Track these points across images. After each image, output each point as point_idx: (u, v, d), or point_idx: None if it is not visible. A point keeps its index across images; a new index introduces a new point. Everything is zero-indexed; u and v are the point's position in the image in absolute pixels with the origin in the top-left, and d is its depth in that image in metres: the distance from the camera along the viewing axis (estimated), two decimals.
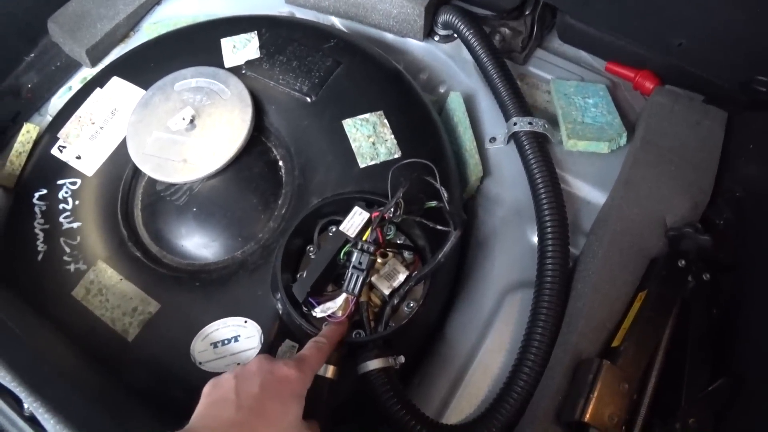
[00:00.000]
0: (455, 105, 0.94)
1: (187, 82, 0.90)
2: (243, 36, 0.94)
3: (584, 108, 0.92)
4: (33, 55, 1.10)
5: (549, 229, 0.78)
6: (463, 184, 0.88)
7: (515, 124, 0.87)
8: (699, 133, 0.86)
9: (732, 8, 0.80)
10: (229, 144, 0.84)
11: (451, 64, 1.03)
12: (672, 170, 0.82)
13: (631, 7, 0.89)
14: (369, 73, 0.89)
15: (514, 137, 0.88)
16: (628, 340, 0.68)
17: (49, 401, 0.60)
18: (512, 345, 0.76)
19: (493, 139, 0.93)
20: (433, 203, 0.73)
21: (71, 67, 1.11)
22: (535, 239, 0.82)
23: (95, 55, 1.08)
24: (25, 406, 0.61)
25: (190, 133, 0.85)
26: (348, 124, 0.83)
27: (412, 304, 0.72)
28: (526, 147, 0.85)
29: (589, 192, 0.87)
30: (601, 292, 0.72)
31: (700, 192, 0.81)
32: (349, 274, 0.68)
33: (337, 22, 1.11)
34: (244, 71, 0.91)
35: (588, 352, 0.69)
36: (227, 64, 0.92)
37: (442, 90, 1.04)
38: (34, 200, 0.88)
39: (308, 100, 0.86)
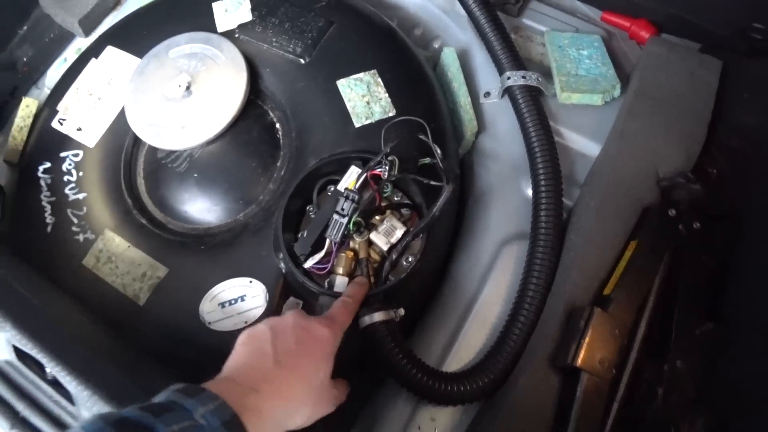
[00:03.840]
0: (449, 60, 0.94)
1: (181, 49, 0.90)
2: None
3: (578, 60, 0.92)
4: (26, 27, 1.11)
5: (542, 182, 0.79)
6: (458, 139, 0.89)
7: (509, 78, 0.87)
8: (693, 83, 0.86)
9: None
10: (226, 109, 0.85)
11: (444, 18, 1.03)
12: (665, 121, 0.82)
13: None
14: (361, 32, 0.89)
15: (507, 92, 0.88)
16: (619, 288, 0.71)
17: (70, 365, 0.63)
18: (509, 295, 0.78)
19: (487, 94, 0.93)
20: (427, 160, 0.75)
21: (65, 37, 1.11)
22: (528, 192, 0.84)
23: (88, 24, 1.08)
24: (48, 370, 0.64)
25: (187, 99, 0.87)
26: (342, 84, 0.84)
27: (410, 259, 0.74)
28: (520, 101, 0.85)
29: (584, 144, 0.88)
30: (594, 242, 0.74)
31: (693, 142, 0.82)
32: (332, 220, 0.71)
33: None
34: (237, 35, 0.91)
35: (581, 300, 0.71)
36: (220, 28, 0.92)
37: (436, 45, 1.04)
38: (39, 174, 0.90)
39: (302, 61, 0.87)
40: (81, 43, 1.10)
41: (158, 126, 0.86)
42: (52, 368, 0.63)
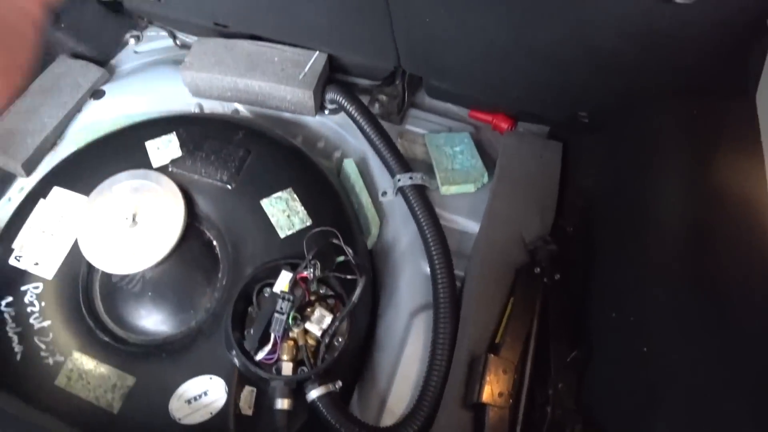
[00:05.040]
0: (350, 170, 1.15)
1: (123, 185, 1.05)
2: (164, 137, 1.11)
3: (453, 156, 1.16)
4: None
5: (436, 261, 1.00)
6: (365, 233, 1.09)
7: (399, 180, 1.09)
8: (541, 164, 1.11)
9: (542, 68, 1.04)
10: (169, 233, 1.00)
11: (341, 132, 1.24)
12: (524, 197, 1.06)
13: (476, 72, 1.14)
14: (275, 157, 1.09)
15: (400, 191, 1.10)
16: (505, 335, 0.91)
17: None
18: (424, 354, 0.97)
19: (384, 193, 1.15)
20: (341, 258, 0.94)
21: (7, 179, 1.23)
22: (427, 269, 1.04)
23: (29, 166, 1.21)
24: None
25: (134, 228, 1.01)
26: (265, 203, 1.03)
27: (340, 339, 0.92)
28: (410, 198, 1.07)
29: (465, 224, 1.11)
30: (482, 303, 0.95)
31: (547, 210, 1.06)
32: (274, 318, 0.88)
33: (240, 107, 1.30)
34: (170, 169, 1.08)
35: (479, 349, 0.91)
36: (155, 164, 1.09)
37: (337, 155, 1.25)
38: (2, 308, 1.01)
39: (229, 187, 1.05)
40: (23, 182, 1.22)
41: (111, 254, 1.00)
42: None
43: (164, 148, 1.10)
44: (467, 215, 1.10)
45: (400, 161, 1.12)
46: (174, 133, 1.11)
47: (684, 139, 0.87)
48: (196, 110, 1.29)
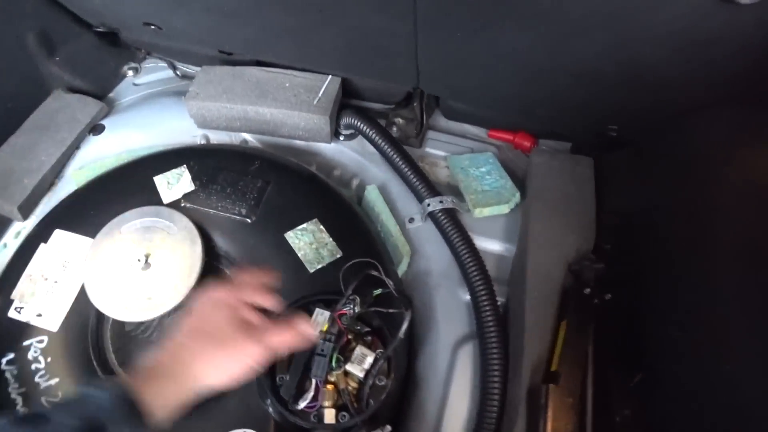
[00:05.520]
0: (373, 197, 1.08)
1: (132, 224, 0.98)
2: (174, 171, 1.03)
3: (480, 177, 1.10)
4: None
5: (477, 287, 0.93)
6: (397, 263, 1.02)
7: (429, 205, 1.03)
8: (575, 180, 1.05)
9: (573, 86, 1.00)
10: (187, 275, 0.92)
11: (359, 159, 1.18)
12: (562, 216, 1.00)
13: (498, 92, 1.09)
14: (296, 187, 1.02)
15: (430, 216, 1.03)
16: (562, 363, 0.84)
17: None
18: (473, 389, 0.90)
19: (411, 220, 1.08)
20: (379, 290, 0.86)
21: (1, 223, 1.14)
22: (466, 297, 0.97)
23: (26, 209, 1.13)
24: None
25: (147, 271, 0.93)
26: (290, 236, 0.95)
27: (383, 380, 0.83)
28: (443, 222, 1.00)
29: (500, 247, 1.04)
30: (533, 329, 0.88)
31: (587, 228, 1.00)
32: (315, 361, 0.79)
33: (248, 137, 1.23)
34: (183, 204, 1.00)
35: (535, 380, 0.84)
36: (165, 199, 1.01)
37: (355, 183, 1.18)
38: (3, 366, 0.91)
39: (248, 221, 0.97)
40: (18, 227, 1.14)
41: (122, 300, 0.91)
42: None
43: (175, 183, 1.03)
44: (501, 238, 1.04)
45: (428, 185, 1.05)
46: (184, 166, 1.04)
47: (742, 150, 0.82)
48: (203, 142, 1.22)
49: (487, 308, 0.91)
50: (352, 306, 0.82)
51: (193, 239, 0.95)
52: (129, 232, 0.97)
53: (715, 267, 0.80)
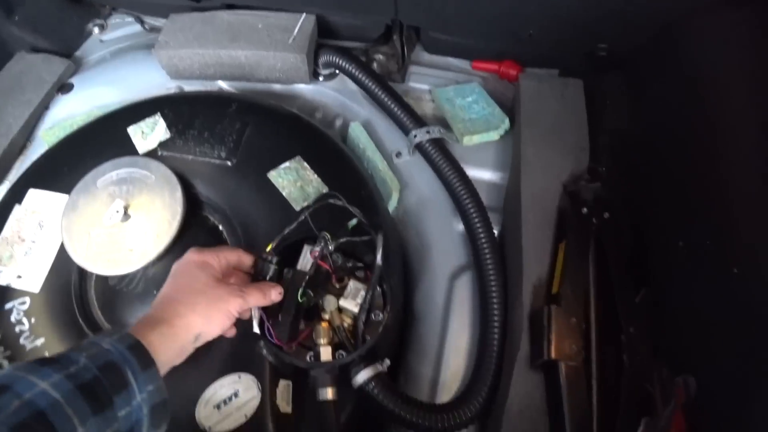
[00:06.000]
0: (357, 133, 1.04)
1: (108, 177, 0.93)
2: (148, 120, 0.99)
3: (467, 107, 1.06)
4: None
5: (473, 216, 0.90)
6: (385, 199, 0.98)
7: (415, 136, 0.99)
8: (565, 103, 1.02)
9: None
10: (168, 223, 0.88)
11: (340, 98, 1.13)
12: (554, 139, 0.96)
13: (483, 15, 1.04)
14: (276, 126, 0.97)
15: (418, 147, 0.99)
16: (564, 284, 0.82)
17: None
18: (473, 319, 0.87)
19: (398, 154, 1.04)
20: (353, 221, 0.83)
21: None
22: (460, 227, 0.94)
23: None
24: None
25: (127, 223, 0.89)
26: (273, 176, 0.91)
27: (379, 314, 0.80)
28: (432, 153, 0.96)
29: (492, 175, 1.01)
30: (531, 253, 0.85)
31: (580, 150, 0.96)
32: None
33: (224, 85, 1.18)
34: (160, 153, 0.96)
35: (536, 304, 0.81)
36: (141, 149, 0.97)
37: (338, 123, 1.14)
38: None
39: (229, 164, 0.93)
40: None
41: (104, 255, 0.87)
42: None
43: (149, 132, 0.98)
44: (492, 167, 1.01)
45: (414, 117, 1.01)
46: (158, 114, 0.99)
47: (747, 52, 0.78)
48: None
49: (483, 234, 0.88)
50: (324, 243, 0.79)
51: (173, 187, 0.91)
52: (105, 185, 0.93)
53: (721, 175, 0.76)
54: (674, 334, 0.77)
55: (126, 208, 0.90)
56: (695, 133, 0.83)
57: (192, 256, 0.75)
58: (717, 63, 0.82)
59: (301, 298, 0.77)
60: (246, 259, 0.78)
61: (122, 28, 1.31)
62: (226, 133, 0.95)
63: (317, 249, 0.79)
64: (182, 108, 1.00)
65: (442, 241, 0.95)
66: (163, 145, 0.96)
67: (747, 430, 0.61)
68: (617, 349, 0.77)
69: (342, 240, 0.81)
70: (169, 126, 0.98)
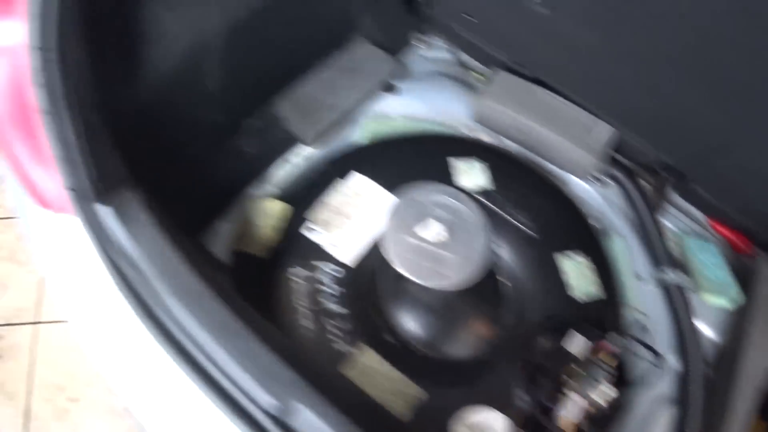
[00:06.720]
0: (618, 250, 1.22)
1: (434, 197, 1.09)
2: (470, 161, 1.16)
3: (708, 265, 1.22)
4: (260, 123, 1.24)
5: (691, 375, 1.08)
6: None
7: (666, 274, 1.15)
8: None
9: None
10: (474, 263, 1.04)
11: (605, 206, 1.29)
12: None
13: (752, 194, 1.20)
14: (572, 218, 1.16)
15: (662, 283, 1.16)
16: None
17: None
18: None
19: (638, 277, 1.21)
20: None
21: (289, 141, 1.26)
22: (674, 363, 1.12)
23: (316, 138, 1.24)
24: None
25: (440, 245, 1.06)
26: (559, 258, 1.10)
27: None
28: (675, 300, 1.13)
29: (708, 331, 1.18)
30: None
31: None
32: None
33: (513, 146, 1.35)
34: (477, 197, 1.13)
35: None
36: (459, 183, 1.14)
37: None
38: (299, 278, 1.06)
39: (534, 235, 1.11)
40: (303, 150, 1.26)
41: (415, 263, 1.04)
42: None
43: (469, 172, 1.15)
44: (713, 323, 1.17)
45: (669, 255, 1.19)
46: (482, 160, 1.16)
47: None
48: (465, 132, 1.33)
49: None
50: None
51: (482, 233, 1.08)
52: (432, 204, 1.09)
53: None
54: None
55: (447, 233, 1.06)
56: None
57: None
58: None
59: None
60: None
61: (439, 51, 1.46)
62: (535, 206, 1.13)
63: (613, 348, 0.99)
64: (502, 165, 1.18)
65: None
66: (484, 192, 1.14)
67: None
68: None
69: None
70: (494, 178, 1.15)
